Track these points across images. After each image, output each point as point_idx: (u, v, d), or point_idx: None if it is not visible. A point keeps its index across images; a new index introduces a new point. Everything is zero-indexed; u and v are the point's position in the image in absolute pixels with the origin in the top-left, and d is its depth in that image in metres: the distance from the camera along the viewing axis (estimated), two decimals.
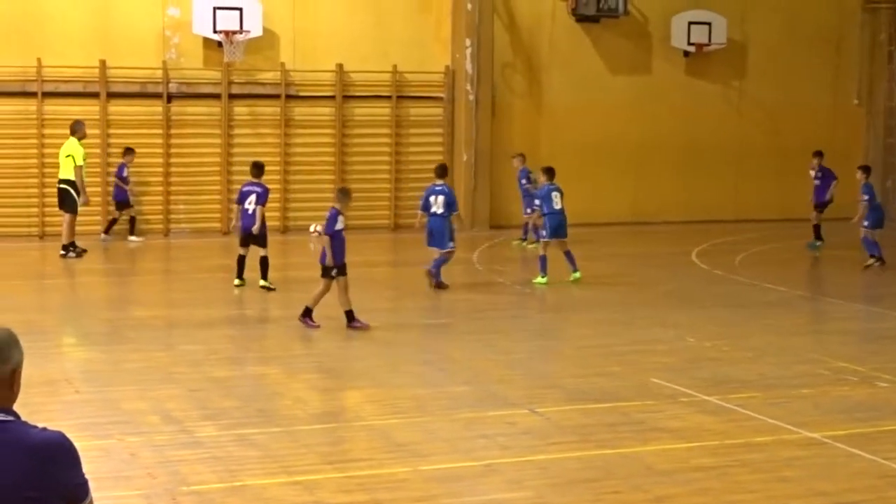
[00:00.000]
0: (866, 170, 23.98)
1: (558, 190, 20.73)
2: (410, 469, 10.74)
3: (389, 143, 27.65)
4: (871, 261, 22.70)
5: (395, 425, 12.23)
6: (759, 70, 30.50)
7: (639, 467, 11.01)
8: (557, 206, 20.58)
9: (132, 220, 25.82)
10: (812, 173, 25.78)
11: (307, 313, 16.81)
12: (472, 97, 27.71)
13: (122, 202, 25.73)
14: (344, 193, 17.26)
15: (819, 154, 25.96)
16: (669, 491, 10.35)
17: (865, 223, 22.84)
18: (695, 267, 23.46)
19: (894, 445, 11.74)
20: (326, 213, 16.87)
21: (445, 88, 27.86)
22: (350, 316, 16.69)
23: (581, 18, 28.68)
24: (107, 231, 25.65)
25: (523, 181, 25.07)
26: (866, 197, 22.99)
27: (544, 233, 20.78)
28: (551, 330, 17.36)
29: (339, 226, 16.65)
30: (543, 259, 20.63)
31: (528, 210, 24.67)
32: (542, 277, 20.49)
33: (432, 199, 20.28)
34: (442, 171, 20.97)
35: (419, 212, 20.78)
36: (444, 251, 20.21)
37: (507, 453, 11.31)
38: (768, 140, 30.50)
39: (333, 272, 16.64)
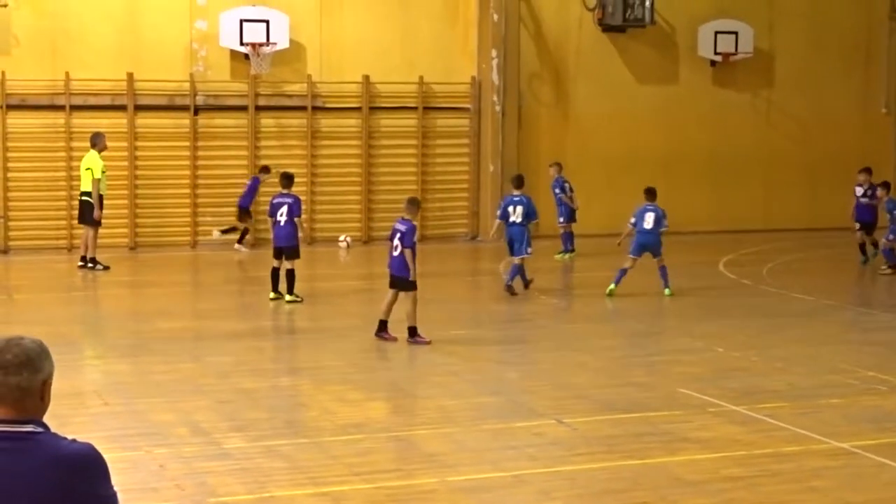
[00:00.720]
0: (886, 186, 23.84)
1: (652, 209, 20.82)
2: (438, 480, 10.74)
3: (416, 154, 27.68)
4: (889, 270, 22.75)
5: (422, 436, 12.23)
6: (787, 79, 30.42)
7: (666, 478, 10.98)
8: (648, 226, 20.70)
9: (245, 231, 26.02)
10: (860, 190, 24.83)
11: (383, 327, 16.72)
12: (498, 108, 27.73)
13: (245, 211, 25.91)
14: (414, 204, 17.17)
15: (867, 171, 25.06)
16: (697, 501, 10.33)
17: (891, 236, 22.81)
18: (723, 277, 23.40)
19: None
20: (402, 227, 16.50)
21: (472, 99, 27.89)
22: (413, 331, 16.60)
23: (607, 28, 28.67)
24: (240, 241, 25.89)
25: (557, 190, 25.05)
26: (894, 212, 22.94)
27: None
28: (578, 340, 17.31)
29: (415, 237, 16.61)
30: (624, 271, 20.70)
31: (562, 220, 24.73)
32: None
33: (510, 209, 20.85)
34: (519, 181, 21.49)
35: (497, 221, 21.41)
36: (521, 257, 20.59)
37: (535, 464, 11.30)
38: (796, 149, 30.41)
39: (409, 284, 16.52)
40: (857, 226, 24.56)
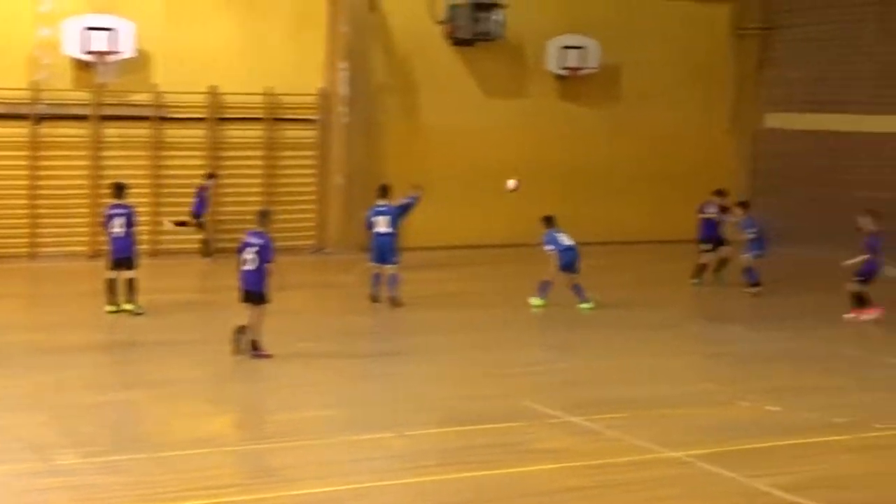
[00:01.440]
0: (744, 205, 23.99)
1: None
2: (279, 495, 10.67)
3: (262, 165, 27.46)
4: (756, 289, 22.98)
5: (266, 450, 12.16)
6: (633, 95, 30.86)
7: (508, 489, 11.08)
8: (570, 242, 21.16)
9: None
10: (711, 209, 24.53)
11: (255, 346, 16.53)
12: (346, 120, 27.66)
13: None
14: (266, 216, 17.07)
15: (720, 193, 24.91)
16: None
17: (749, 254, 22.99)
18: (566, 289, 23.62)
19: (755, 464, 11.94)
20: (257, 241, 16.32)
21: (320, 111, 27.78)
22: (256, 345, 16.45)
23: (457, 42, 28.78)
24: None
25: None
26: (752, 230, 23.06)
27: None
28: (421, 352, 17.33)
29: None
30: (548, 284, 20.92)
31: None
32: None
33: (376, 219, 20.94)
34: (383, 191, 21.46)
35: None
36: (394, 266, 20.75)
37: (377, 477, 11.30)
38: (643, 164, 30.85)
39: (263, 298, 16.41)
40: (707, 245, 24.35)
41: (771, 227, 24.39)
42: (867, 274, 20.69)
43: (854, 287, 20.69)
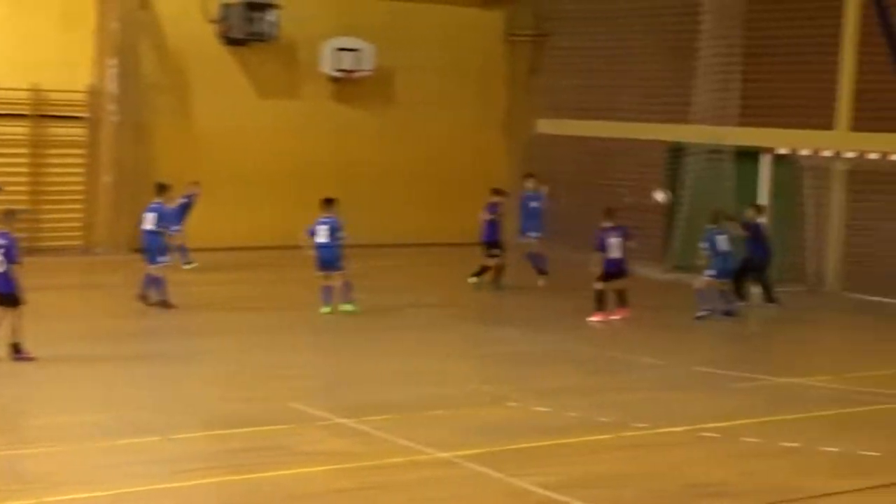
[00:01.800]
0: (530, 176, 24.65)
1: None
2: (35, 502, 10.38)
3: (28, 163, 26.71)
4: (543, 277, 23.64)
5: (24, 456, 11.83)
6: (407, 98, 31.05)
7: (277, 492, 11.02)
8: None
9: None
10: (493, 212, 24.40)
11: (17, 349, 15.97)
12: (115, 118, 27.10)
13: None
14: (10, 216, 16.58)
15: (499, 192, 25.00)
16: None
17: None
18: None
19: (520, 463, 12.14)
20: (3, 241, 15.93)
21: (88, 108, 27.16)
22: (18, 348, 15.96)
23: (230, 42, 28.49)
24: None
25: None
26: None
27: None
28: (191, 355, 17.11)
29: None
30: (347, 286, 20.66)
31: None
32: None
33: (147, 215, 20.70)
34: (160, 189, 21.30)
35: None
36: (158, 266, 20.35)
37: (138, 482, 11.09)
38: (416, 167, 31.05)
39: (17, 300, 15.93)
40: (490, 247, 24.15)
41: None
42: (609, 274, 21.01)
43: (597, 286, 20.94)
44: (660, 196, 22.80)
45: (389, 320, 20.44)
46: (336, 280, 20.49)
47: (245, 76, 29.02)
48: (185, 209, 24.77)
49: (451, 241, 28.94)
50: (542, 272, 24.31)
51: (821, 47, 25.92)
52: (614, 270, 20.97)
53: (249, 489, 11.05)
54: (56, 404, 13.97)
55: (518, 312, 22.17)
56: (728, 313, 21.60)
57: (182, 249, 24.47)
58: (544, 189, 24.97)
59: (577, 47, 30.71)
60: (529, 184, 24.79)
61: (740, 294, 22.93)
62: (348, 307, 20.46)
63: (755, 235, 23.01)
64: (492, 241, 24.24)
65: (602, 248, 21.01)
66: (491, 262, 24.19)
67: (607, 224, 21.20)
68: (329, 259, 20.51)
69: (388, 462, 12.07)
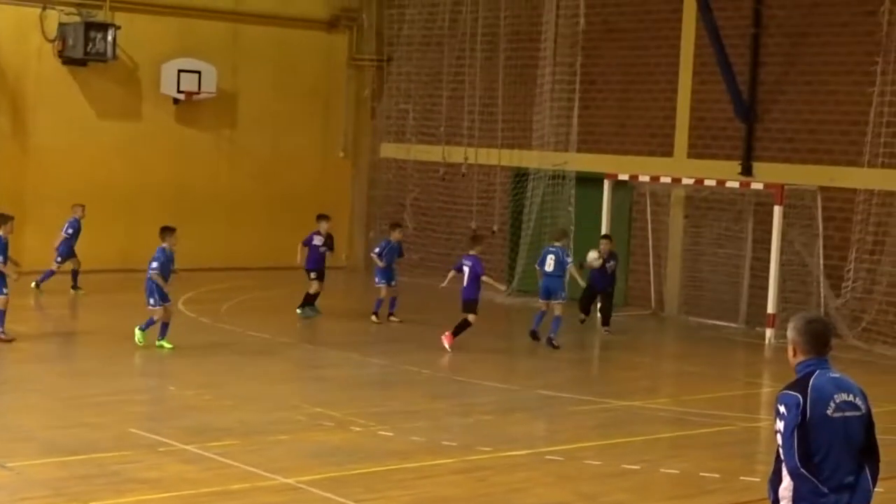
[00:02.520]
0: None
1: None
2: None
3: None
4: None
5: None
6: (249, 121, 30.84)
7: None
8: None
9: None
10: (318, 239, 23.71)
11: None
12: None
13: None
14: None
15: (323, 217, 24.35)
16: None
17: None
18: (181, 315, 23.27)
19: (366, 487, 12.10)
20: None
21: None
22: None
23: (68, 61, 27.99)
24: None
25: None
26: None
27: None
28: (28, 381, 16.70)
29: None
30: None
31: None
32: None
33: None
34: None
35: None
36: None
37: None
38: (258, 189, 30.85)
39: None
40: (312, 274, 23.82)
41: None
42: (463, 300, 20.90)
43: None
44: (593, 258, 22.87)
45: (227, 345, 20.18)
46: (158, 313, 19.40)
47: (84, 96, 28.53)
48: (71, 237, 24.62)
49: (288, 264, 28.76)
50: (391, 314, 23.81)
51: (659, 76, 26.50)
52: (464, 298, 20.89)
53: None
54: None
55: (346, 336, 21.99)
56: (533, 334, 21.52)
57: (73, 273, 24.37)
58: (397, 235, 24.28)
59: (420, 72, 30.92)
60: (396, 234, 24.12)
61: (585, 312, 23.39)
62: (165, 344, 19.34)
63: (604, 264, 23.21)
64: (312, 268, 23.82)
65: (459, 269, 20.97)
66: (312, 288, 23.87)
67: (471, 251, 21.18)
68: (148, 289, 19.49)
69: (230, 488, 11.92)
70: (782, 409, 7.16)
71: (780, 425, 7.15)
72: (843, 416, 7.20)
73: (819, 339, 7.34)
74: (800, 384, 7.23)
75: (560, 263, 21.53)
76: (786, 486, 7.20)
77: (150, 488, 11.77)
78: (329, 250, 24.09)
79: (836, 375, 7.33)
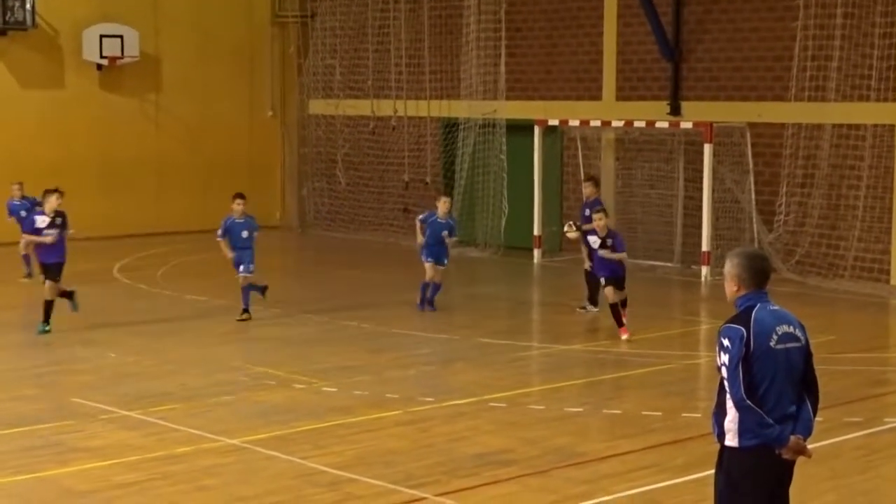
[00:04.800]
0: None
1: None
2: None
3: None
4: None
5: None
6: (175, 84, 30.55)
7: (56, 490, 10.73)
8: None
9: None
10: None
11: None
12: None
13: None
14: None
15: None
16: None
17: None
18: (117, 282, 23.15)
19: (310, 444, 12.10)
20: None
21: None
22: None
23: None
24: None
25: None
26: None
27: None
28: None
29: None
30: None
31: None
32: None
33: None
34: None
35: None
36: None
37: None
38: (186, 153, 30.61)
39: None
40: None
41: None
42: None
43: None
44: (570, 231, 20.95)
45: (164, 310, 20.07)
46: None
47: (5, 66, 28.13)
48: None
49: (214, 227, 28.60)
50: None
51: (584, 19, 26.52)
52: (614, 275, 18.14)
53: (29, 489, 10.74)
54: None
55: (279, 295, 21.70)
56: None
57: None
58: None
59: (344, 27, 30.74)
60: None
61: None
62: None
63: None
64: None
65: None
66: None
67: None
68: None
69: (175, 452, 11.88)
70: (726, 342, 7.22)
71: (724, 359, 7.21)
72: (785, 348, 7.28)
73: (760, 273, 7.41)
74: (742, 317, 7.29)
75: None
76: (731, 418, 7.28)
77: (93, 456, 11.71)
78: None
79: (776, 308, 7.41)
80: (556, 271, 23.62)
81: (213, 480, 11.00)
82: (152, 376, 15.28)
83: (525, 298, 22.66)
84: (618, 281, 17.86)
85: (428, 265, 19.82)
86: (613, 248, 17.97)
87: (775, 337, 7.26)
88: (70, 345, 17.22)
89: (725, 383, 7.25)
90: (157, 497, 10.53)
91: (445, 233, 19.93)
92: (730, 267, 7.47)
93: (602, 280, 18.07)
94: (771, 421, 7.18)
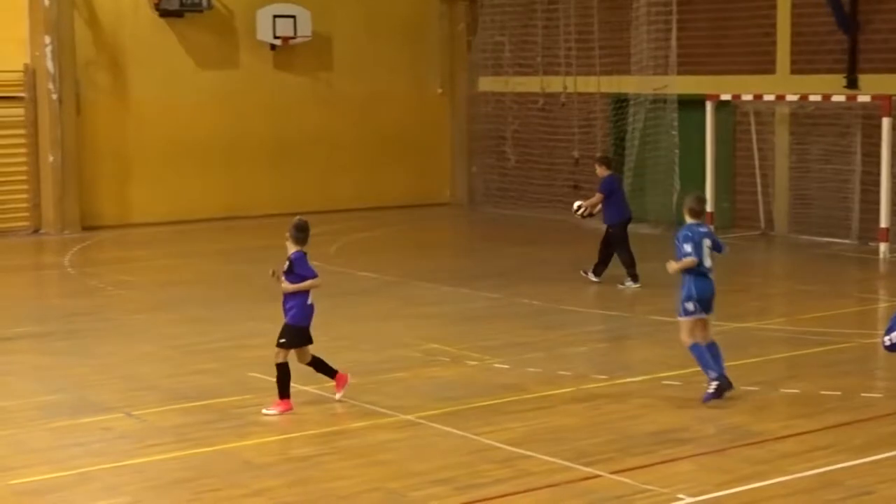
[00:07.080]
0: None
1: None
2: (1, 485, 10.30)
3: None
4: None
5: None
6: (345, 63, 30.87)
7: (236, 463, 10.98)
8: None
9: None
10: None
11: None
12: (55, 96, 26.76)
13: None
14: None
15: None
16: (267, 484, 10.38)
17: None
18: None
19: (483, 421, 12.16)
20: None
21: (26, 88, 26.81)
22: None
23: (165, 13, 28.18)
24: None
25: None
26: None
27: None
28: (144, 331, 16.95)
29: None
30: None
31: None
32: None
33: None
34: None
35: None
36: None
37: (102, 459, 11.03)
38: (356, 131, 30.94)
39: None
40: None
41: None
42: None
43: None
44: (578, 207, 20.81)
45: (337, 286, 20.30)
46: None
47: (182, 48, 28.77)
48: None
49: (395, 203, 28.90)
50: None
51: None
52: None
53: (210, 461, 11.02)
54: (9, 388, 13.81)
55: (450, 271, 21.78)
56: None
57: None
58: None
59: (514, 3, 30.67)
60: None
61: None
62: None
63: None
64: None
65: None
66: None
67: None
68: None
69: (350, 427, 12.07)
70: None
71: None
72: None
73: None
74: None
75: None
76: None
77: (270, 430, 11.96)
78: None
79: None
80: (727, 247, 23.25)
81: (388, 455, 11.13)
82: (326, 351, 15.40)
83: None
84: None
85: None
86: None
87: None
88: (244, 320, 17.54)
89: None
90: (332, 471, 10.71)
91: None
92: None
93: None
94: None
